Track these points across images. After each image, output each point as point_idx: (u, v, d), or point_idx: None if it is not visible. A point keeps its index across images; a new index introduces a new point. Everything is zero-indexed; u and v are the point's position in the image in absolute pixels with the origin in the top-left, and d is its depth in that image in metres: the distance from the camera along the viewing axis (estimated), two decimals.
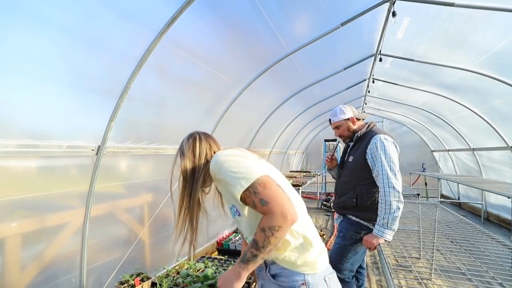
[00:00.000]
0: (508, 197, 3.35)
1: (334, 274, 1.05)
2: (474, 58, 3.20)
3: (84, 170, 1.98)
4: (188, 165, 1.10)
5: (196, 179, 1.10)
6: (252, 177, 0.91)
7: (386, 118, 8.53)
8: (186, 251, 3.15)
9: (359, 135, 2.01)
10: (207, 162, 1.11)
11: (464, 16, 2.49)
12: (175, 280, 2.09)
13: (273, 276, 1.01)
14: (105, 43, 1.74)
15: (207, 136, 1.20)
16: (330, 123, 2.14)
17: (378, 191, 1.78)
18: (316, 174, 7.14)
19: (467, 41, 2.93)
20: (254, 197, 0.90)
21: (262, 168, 1.00)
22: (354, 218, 1.95)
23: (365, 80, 4.93)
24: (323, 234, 4.62)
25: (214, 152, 1.16)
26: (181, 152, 1.16)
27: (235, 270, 0.95)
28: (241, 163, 0.97)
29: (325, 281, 0.99)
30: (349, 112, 2.05)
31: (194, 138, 1.16)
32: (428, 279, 2.57)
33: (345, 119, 2.05)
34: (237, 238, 3.75)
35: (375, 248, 1.74)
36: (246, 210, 1.02)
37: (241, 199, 0.95)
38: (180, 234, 1.09)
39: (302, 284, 0.96)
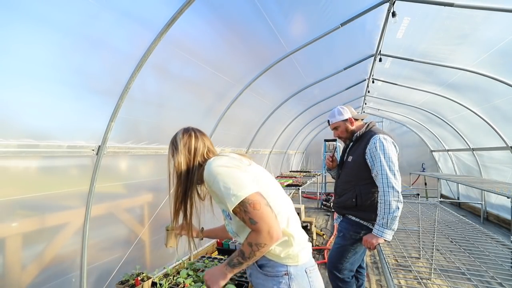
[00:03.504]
0: (508, 197, 3.35)
1: (316, 267, 1.14)
2: (474, 57, 3.20)
3: (84, 170, 1.98)
4: (183, 161, 1.12)
5: (190, 177, 1.12)
6: (241, 195, 0.95)
7: (386, 118, 8.53)
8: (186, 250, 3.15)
9: (358, 135, 2.02)
10: (202, 162, 1.14)
11: (464, 16, 2.49)
12: (175, 280, 2.09)
13: (260, 266, 1.10)
14: (105, 43, 1.74)
15: (202, 134, 1.21)
16: (329, 124, 2.15)
17: (378, 191, 1.78)
18: (316, 174, 7.15)
19: (468, 40, 2.93)
20: (244, 215, 0.96)
21: (253, 180, 1.03)
22: (353, 218, 1.95)
23: (365, 80, 4.93)
24: (323, 234, 4.63)
25: (208, 153, 1.18)
26: (174, 146, 1.16)
27: (222, 270, 1.05)
28: (232, 177, 0.98)
29: (306, 272, 1.07)
30: (347, 113, 2.06)
31: (189, 134, 1.17)
32: (428, 279, 2.57)
33: (343, 120, 2.05)
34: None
35: (374, 248, 1.74)
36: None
37: (233, 212, 1.01)
38: (176, 226, 1.17)
39: (285, 274, 1.05)
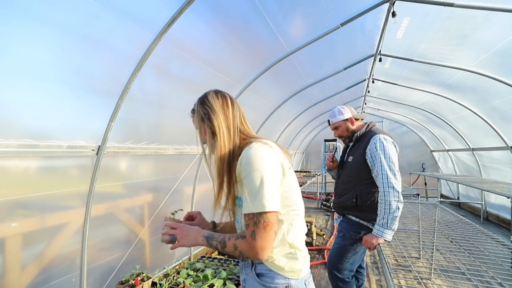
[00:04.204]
0: (508, 197, 3.35)
1: (311, 277, 1.12)
2: (474, 57, 3.20)
3: (84, 170, 1.98)
4: (223, 124, 0.99)
5: (233, 144, 1.00)
6: (264, 208, 0.89)
7: (385, 118, 8.53)
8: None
9: (358, 135, 2.02)
10: (244, 131, 1.05)
11: (464, 16, 2.50)
12: (175, 280, 2.09)
13: (258, 275, 1.05)
14: (105, 43, 1.74)
15: (234, 98, 1.08)
16: (329, 124, 2.15)
17: (378, 191, 1.78)
18: (316, 174, 7.14)
19: (467, 40, 2.93)
20: (251, 225, 0.92)
21: (279, 195, 0.96)
22: (353, 218, 1.95)
23: (365, 80, 4.93)
24: (323, 234, 4.63)
25: (243, 123, 1.08)
26: (208, 106, 1.01)
27: (197, 237, 1.03)
28: (268, 182, 0.90)
29: (305, 284, 1.05)
30: (347, 112, 2.06)
31: (223, 95, 1.04)
32: (428, 279, 2.57)
33: (343, 120, 2.06)
34: None
35: (374, 248, 1.74)
36: None
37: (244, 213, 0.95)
38: (220, 200, 1.02)
39: (286, 287, 1.01)
